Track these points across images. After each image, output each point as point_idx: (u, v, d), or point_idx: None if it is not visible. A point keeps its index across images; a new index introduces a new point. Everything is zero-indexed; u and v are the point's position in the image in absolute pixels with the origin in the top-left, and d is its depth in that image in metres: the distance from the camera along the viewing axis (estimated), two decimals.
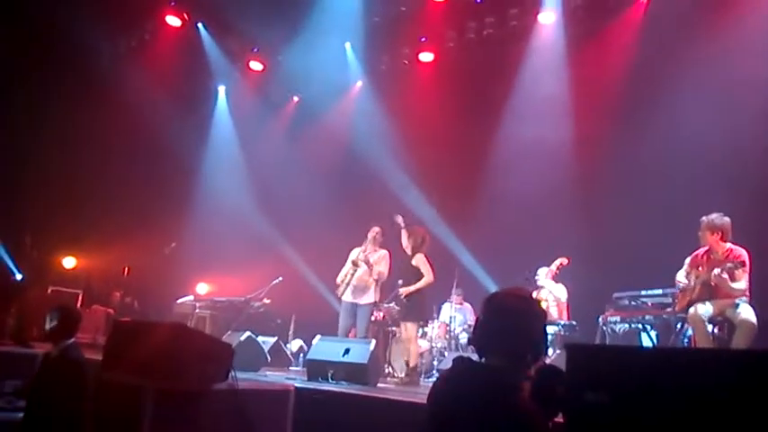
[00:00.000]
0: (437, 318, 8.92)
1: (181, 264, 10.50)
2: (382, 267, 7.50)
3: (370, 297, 7.48)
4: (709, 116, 7.30)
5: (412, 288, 7.17)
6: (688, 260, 6.10)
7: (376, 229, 7.59)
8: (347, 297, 7.53)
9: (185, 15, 11.06)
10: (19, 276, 9.53)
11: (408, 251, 7.35)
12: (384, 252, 7.61)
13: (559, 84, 9.31)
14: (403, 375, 7.34)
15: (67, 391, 4.39)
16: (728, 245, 5.77)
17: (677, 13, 7.92)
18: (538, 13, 9.55)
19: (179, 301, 9.90)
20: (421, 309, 7.31)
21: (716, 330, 5.78)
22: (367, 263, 7.44)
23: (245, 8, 9.92)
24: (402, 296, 7.29)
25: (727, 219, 5.78)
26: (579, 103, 9.05)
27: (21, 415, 4.90)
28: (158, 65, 11.02)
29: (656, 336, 6.66)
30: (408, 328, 7.23)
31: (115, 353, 4.17)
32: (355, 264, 7.51)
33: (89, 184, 10.54)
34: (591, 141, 8.76)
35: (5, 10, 9.29)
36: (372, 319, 8.91)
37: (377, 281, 7.47)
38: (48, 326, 4.76)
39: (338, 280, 7.61)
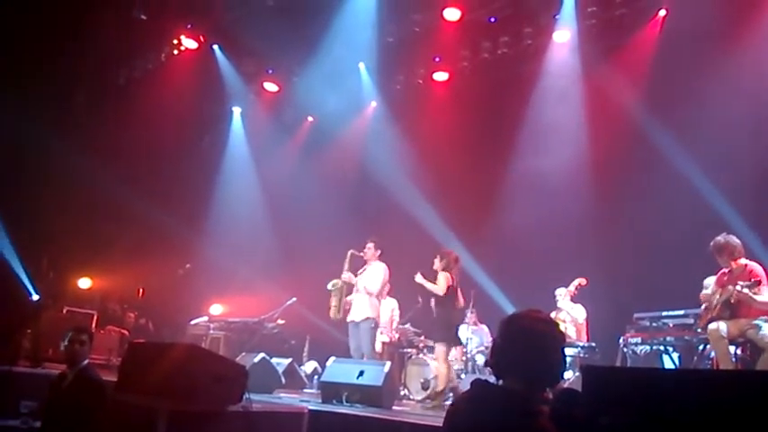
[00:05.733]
0: None
1: (195, 285, 10.50)
2: (368, 281, 7.49)
3: (362, 312, 7.45)
4: (731, 134, 7.21)
5: (425, 283, 7.03)
6: (711, 280, 6.02)
7: (369, 245, 7.66)
8: (349, 318, 7.59)
9: (201, 38, 11.18)
10: (36, 297, 9.57)
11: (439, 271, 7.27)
12: (377, 265, 7.59)
13: (575, 103, 9.27)
14: (421, 398, 7.17)
15: (85, 411, 4.38)
16: (743, 261, 5.70)
17: (695, 29, 7.84)
18: (552, 32, 9.55)
19: (193, 322, 9.88)
20: (448, 330, 7.10)
21: (738, 351, 5.65)
22: (347, 282, 7.59)
23: (260, 30, 10.01)
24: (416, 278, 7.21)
25: (731, 237, 5.76)
26: (596, 122, 9.00)
27: None
28: (174, 86, 11.12)
29: (679, 357, 6.53)
30: (436, 350, 7.14)
31: (130, 374, 4.15)
32: (334, 286, 7.71)
33: (105, 205, 10.61)
34: (610, 160, 8.69)
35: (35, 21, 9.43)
36: (388, 340, 8.86)
37: (369, 294, 7.44)
38: (71, 346, 4.73)
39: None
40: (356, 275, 7.66)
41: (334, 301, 7.74)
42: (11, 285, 9.17)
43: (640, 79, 8.64)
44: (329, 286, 7.77)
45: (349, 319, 7.58)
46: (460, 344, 8.23)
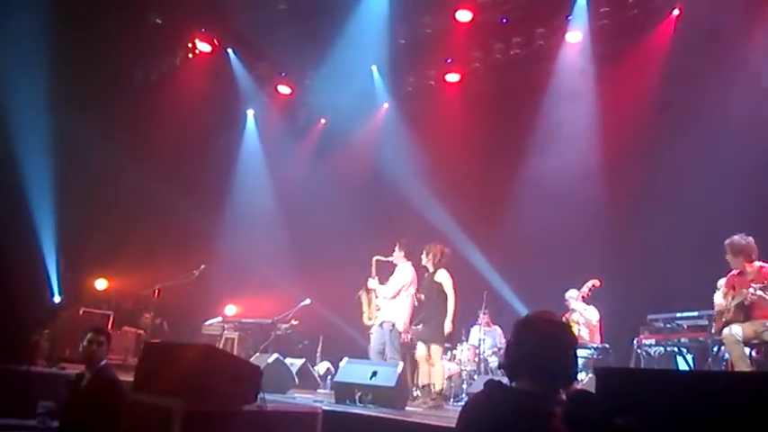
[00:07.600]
0: (466, 341, 8.81)
1: (209, 285, 10.57)
2: (389, 284, 7.44)
3: (381, 316, 7.45)
4: (743, 134, 7.17)
5: (448, 318, 6.98)
6: (723, 282, 5.97)
7: (395, 248, 7.61)
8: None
9: (215, 41, 11.30)
10: (57, 299, 9.67)
11: (430, 267, 7.26)
12: (401, 267, 7.51)
13: (587, 105, 9.25)
14: (428, 399, 7.17)
15: (103, 410, 4.44)
16: (758, 263, 5.65)
17: (709, 29, 7.80)
18: (565, 33, 9.53)
19: (207, 322, 9.96)
20: (442, 329, 7.07)
21: (754, 353, 5.61)
22: (366, 290, 7.66)
23: (273, 34, 10.09)
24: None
25: (749, 238, 5.68)
26: (609, 123, 8.98)
27: None
28: (189, 89, 11.24)
29: (693, 359, 6.49)
30: (432, 351, 7.12)
31: (146, 373, 4.20)
32: (360, 294, 7.80)
33: (120, 207, 10.72)
34: (622, 161, 8.65)
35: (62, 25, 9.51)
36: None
37: (385, 298, 7.42)
38: (90, 347, 4.79)
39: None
40: (386, 281, 7.59)
41: (363, 308, 7.86)
42: (35, 285, 9.27)
43: (653, 80, 8.60)
44: (359, 294, 7.90)
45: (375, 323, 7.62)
46: (459, 344, 8.40)
